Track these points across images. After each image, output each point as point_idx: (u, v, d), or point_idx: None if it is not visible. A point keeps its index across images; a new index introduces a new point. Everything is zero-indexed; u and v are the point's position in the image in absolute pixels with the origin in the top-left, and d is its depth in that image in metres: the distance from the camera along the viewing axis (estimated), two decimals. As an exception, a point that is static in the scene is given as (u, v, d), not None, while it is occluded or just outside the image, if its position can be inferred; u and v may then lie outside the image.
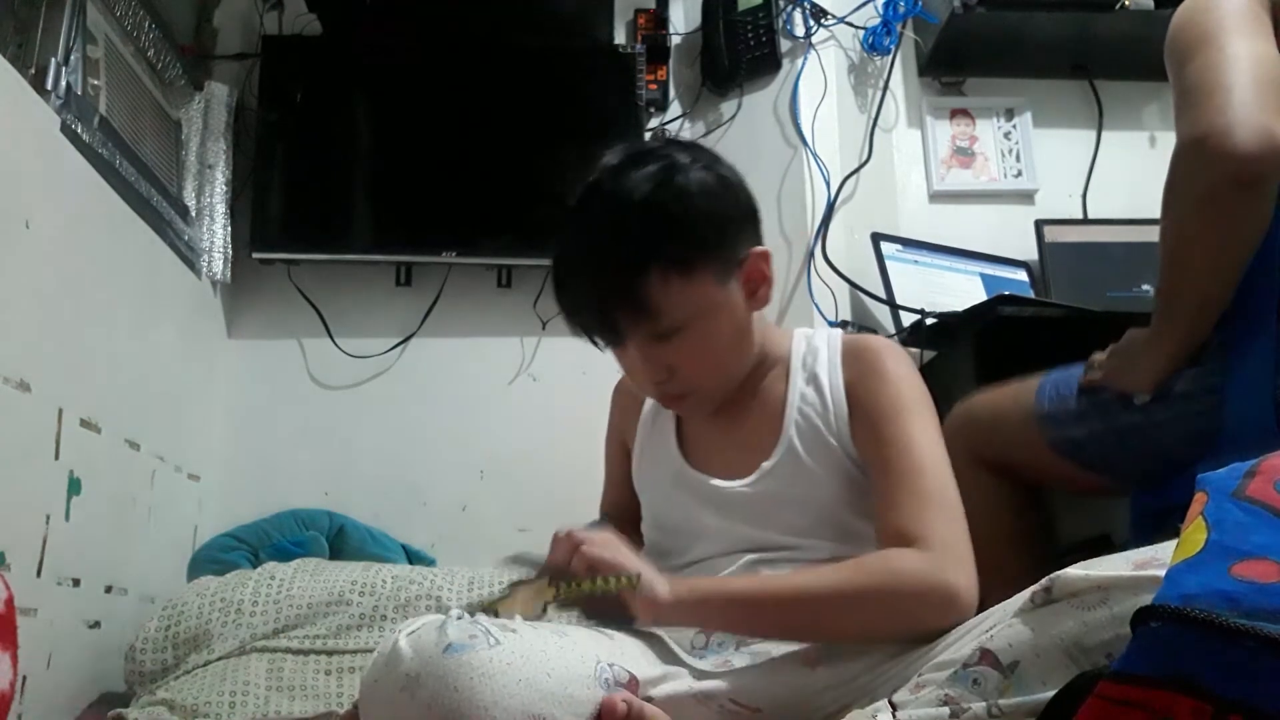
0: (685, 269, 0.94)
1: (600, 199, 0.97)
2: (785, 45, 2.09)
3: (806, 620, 0.89)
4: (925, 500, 0.92)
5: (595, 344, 1.02)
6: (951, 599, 0.84)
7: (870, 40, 2.12)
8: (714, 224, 0.97)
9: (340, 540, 1.89)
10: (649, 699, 0.81)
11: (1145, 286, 1.93)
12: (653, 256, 0.93)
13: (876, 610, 0.86)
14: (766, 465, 1.01)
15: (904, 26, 2.15)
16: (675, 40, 2.28)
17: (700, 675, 0.89)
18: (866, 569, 0.89)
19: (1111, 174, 2.20)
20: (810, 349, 1.07)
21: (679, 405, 1.06)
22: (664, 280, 0.93)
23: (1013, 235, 2.12)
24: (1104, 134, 2.23)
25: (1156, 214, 1.11)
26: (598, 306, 0.97)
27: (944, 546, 0.88)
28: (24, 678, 1.22)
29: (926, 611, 0.82)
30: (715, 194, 0.98)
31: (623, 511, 1.17)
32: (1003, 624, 0.70)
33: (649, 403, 1.15)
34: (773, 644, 0.92)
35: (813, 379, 1.04)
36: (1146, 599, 0.58)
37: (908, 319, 1.82)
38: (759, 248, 1.02)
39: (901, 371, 1.02)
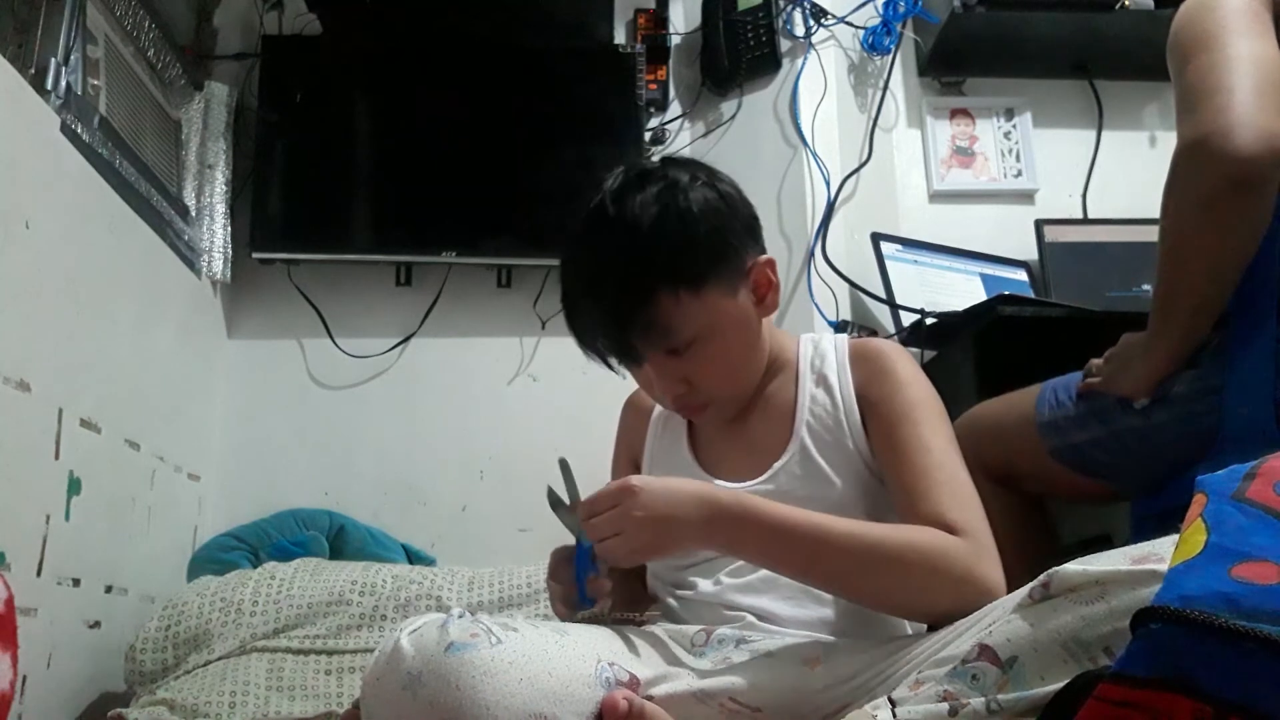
0: (695, 287, 0.96)
1: (606, 225, 0.98)
2: (785, 45, 2.09)
3: (841, 566, 0.87)
4: (953, 492, 0.92)
5: (610, 366, 1.03)
6: (986, 591, 0.84)
7: (870, 40, 2.12)
8: (719, 240, 0.99)
9: (340, 540, 1.89)
10: (649, 698, 0.82)
11: (1145, 286, 1.93)
12: (663, 280, 0.95)
13: (910, 580, 0.85)
14: (778, 464, 1.03)
15: (904, 26, 2.15)
16: (675, 40, 2.28)
17: (700, 674, 0.89)
18: (916, 537, 0.88)
19: (1111, 174, 2.20)
20: (818, 352, 1.09)
21: (699, 415, 1.08)
22: (675, 300, 0.95)
23: (1013, 235, 2.12)
24: (1104, 134, 2.23)
25: (1156, 214, 1.11)
26: (613, 332, 0.99)
27: (979, 538, 0.88)
28: (24, 678, 1.22)
29: (959, 598, 0.81)
30: (718, 210, 0.99)
31: None
32: (1001, 620, 0.70)
33: (657, 411, 1.17)
34: (772, 643, 0.92)
35: (822, 381, 1.06)
36: (1144, 593, 0.59)
37: (908, 319, 1.82)
38: (764, 256, 1.04)
39: (912, 375, 1.03)
